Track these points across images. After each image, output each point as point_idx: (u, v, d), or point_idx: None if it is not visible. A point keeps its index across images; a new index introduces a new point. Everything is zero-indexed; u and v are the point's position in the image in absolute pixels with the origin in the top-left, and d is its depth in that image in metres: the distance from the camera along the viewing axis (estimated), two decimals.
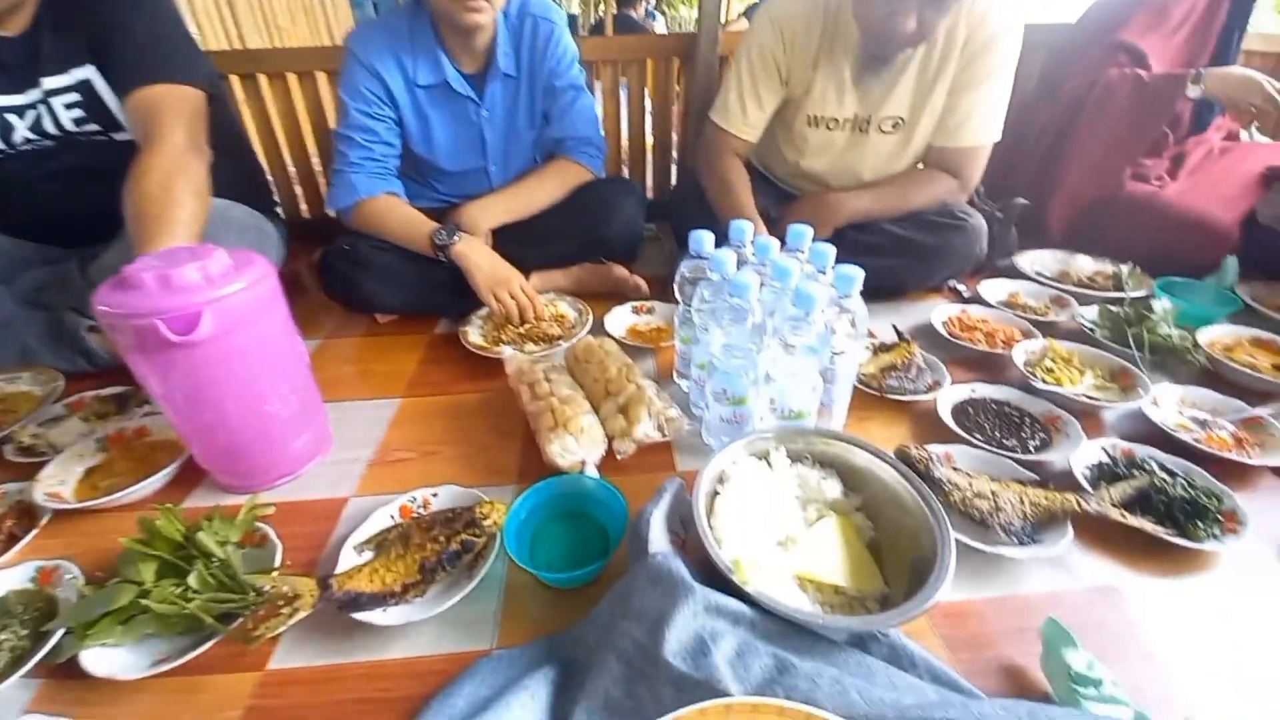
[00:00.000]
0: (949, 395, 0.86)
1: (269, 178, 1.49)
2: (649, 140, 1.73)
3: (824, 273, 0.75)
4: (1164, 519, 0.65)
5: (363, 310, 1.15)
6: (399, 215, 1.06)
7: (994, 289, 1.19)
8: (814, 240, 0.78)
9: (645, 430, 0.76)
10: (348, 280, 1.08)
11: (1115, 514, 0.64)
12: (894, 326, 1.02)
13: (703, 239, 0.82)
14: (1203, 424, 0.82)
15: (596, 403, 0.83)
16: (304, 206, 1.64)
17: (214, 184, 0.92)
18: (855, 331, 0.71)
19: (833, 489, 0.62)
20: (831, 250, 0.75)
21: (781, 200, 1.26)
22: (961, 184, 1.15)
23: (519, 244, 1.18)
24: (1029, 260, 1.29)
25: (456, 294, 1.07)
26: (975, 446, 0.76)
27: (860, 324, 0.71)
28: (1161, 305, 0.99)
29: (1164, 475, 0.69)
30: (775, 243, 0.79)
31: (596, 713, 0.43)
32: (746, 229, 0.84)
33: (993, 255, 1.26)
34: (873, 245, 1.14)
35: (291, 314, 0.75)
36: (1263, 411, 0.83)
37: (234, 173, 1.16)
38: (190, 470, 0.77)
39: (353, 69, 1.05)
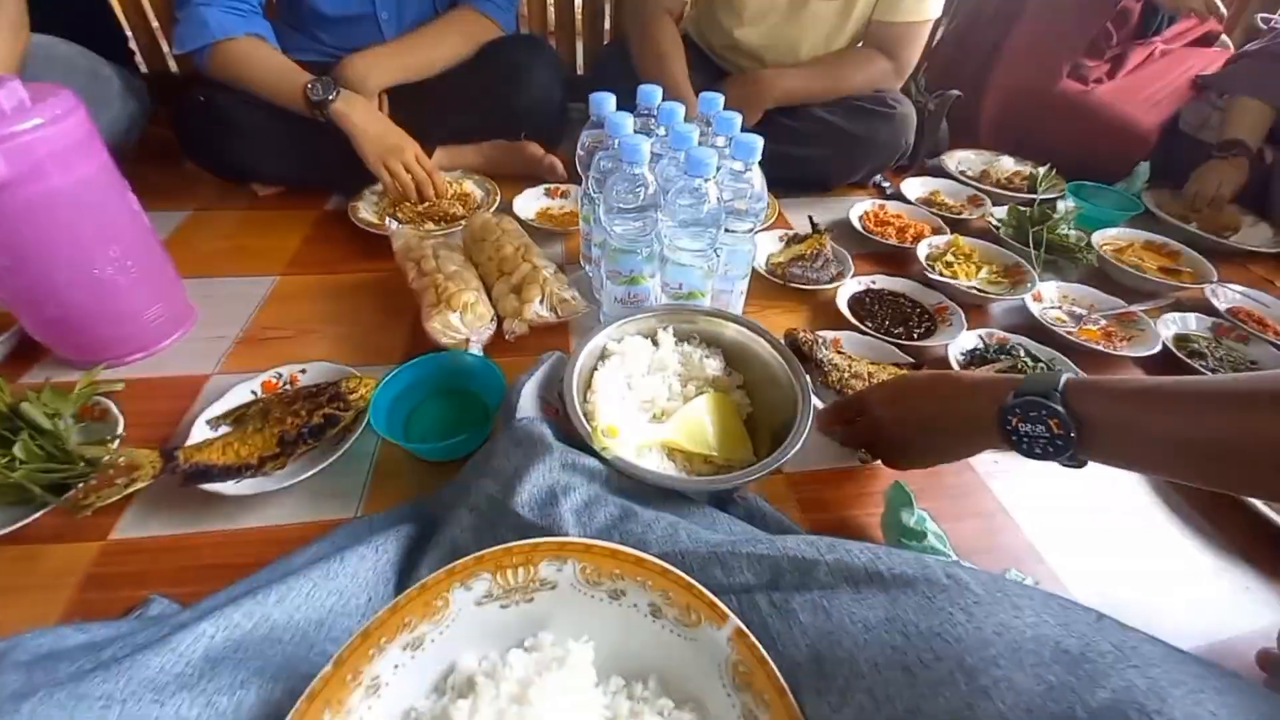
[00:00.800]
0: (850, 287, 0.86)
1: (122, 21, 1.25)
2: (578, 5, 1.55)
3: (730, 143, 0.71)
4: None
5: (235, 179, 1.02)
6: (265, 63, 0.92)
7: (915, 186, 1.18)
8: (744, 123, 0.72)
9: (537, 310, 0.73)
10: (208, 141, 0.94)
11: None
12: (810, 218, 1.00)
13: (603, 101, 0.74)
14: (1078, 318, 0.86)
15: (491, 282, 0.78)
16: (172, 63, 1.40)
17: (45, 25, 0.76)
18: (752, 206, 0.67)
19: (714, 366, 0.61)
20: (737, 118, 0.69)
21: (715, 79, 1.17)
22: (897, 67, 1.09)
23: (419, 113, 1.06)
24: (955, 159, 1.28)
25: (347, 165, 0.96)
26: (864, 334, 0.77)
27: (757, 200, 0.68)
28: (1065, 206, 1.00)
29: (1027, 359, 0.73)
30: (681, 109, 0.73)
31: (441, 560, 0.43)
32: (655, 94, 0.77)
33: (920, 149, 1.24)
34: (801, 132, 1.09)
35: (155, 182, 0.66)
36: (1136, 307, 0.88)
37: (69, 12, 0.96)
38: (33, 344, 0.69)
39: None
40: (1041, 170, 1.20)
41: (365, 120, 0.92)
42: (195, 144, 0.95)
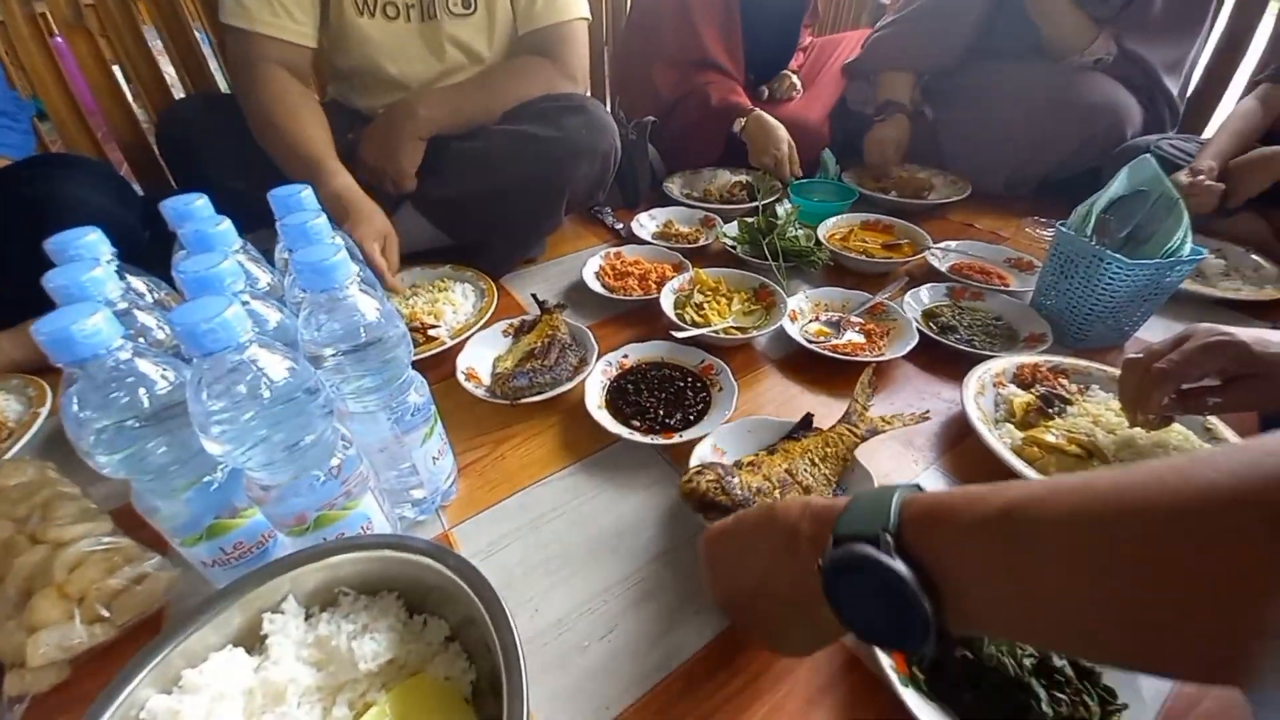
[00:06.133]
0: (598, 376, 0.67)
1: None
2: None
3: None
4: None
5: None
6: None
7: (647, 223, 1.06)
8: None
9: (58, 640, 0.40)
10: None
11: (883, 425, 0.59)
12: (533, 296, 0.80)
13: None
14: (836, 325, 0.78)
15: None
16: None
17: None
18: (380, 351, 0.43)
19: (370, 649, 0.35)
20: (342, 252, 0.44)
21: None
22: (563, 69, 0.92)
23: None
24: (677, 183, 1.20)
25: None
26: (632, 439, 0.58)
27: (364, 314, 0.43)
28: (784, 209, 0.95)
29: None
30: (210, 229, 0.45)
31: None
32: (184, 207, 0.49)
33: (638, 178, 1.14)
34: (481, 152, 0.86)
35: None
36: (881, 296, 0.83)
37: None
38: None
39: None
40: (753, 177, 1.17)
41: None
42: None
